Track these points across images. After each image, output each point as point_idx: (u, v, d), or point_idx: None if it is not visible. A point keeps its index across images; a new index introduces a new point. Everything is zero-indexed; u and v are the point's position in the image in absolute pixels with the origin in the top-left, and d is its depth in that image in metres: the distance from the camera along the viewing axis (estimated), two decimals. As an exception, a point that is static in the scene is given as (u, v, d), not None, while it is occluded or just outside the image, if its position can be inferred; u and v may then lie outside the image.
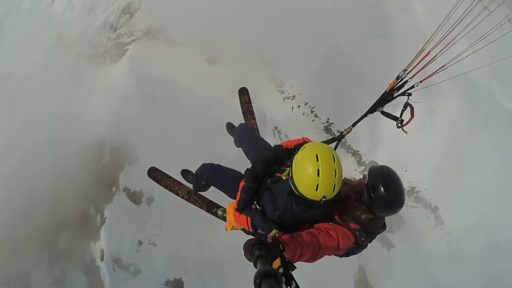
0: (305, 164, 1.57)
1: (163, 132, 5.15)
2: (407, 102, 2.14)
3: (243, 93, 3.76)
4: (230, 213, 2.27)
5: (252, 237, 1.69)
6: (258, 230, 2.02)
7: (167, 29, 6.17)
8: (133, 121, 5.27)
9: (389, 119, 2.28)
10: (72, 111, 5.33)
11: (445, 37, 1.98)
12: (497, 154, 6.01)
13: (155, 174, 3.30)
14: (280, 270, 1.14)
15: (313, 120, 6.22)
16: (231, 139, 3.10)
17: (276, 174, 1.98)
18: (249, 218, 2.06)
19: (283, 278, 1.09)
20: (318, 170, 1.52)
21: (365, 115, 2.37)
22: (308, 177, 1.54)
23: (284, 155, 2.02)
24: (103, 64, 6.14)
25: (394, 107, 2.27)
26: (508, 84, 6.61)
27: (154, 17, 6.39)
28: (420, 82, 2.09)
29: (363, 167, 6.07)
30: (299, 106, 6.23)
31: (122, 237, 5.07)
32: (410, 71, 2.07)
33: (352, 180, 1.95)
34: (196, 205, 3.05)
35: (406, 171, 5.78)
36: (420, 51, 2.03)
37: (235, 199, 2.20)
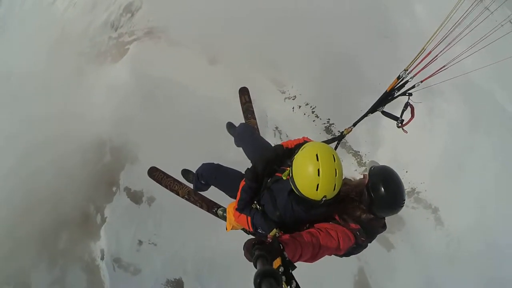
0: (305, 164, 1.57)
1: (163, 132, 5.15)
2: (407, 102, 2.14)
3: (244, 92, 3.76)
4: (231, 213, 2.27)
5: (252, 237, 1.68)
6: (259, 230, 2.02)
7: (168, 29, 6.18)
8: (134, 121, 5.27)
9: (390, 120, 2.29)
10: (73, 110, 5.33)
11: (446, 37, 1.98)
12: (497, 155, 6.01)
13: (155, 173, 3.30)
14: (280, 269, 1.14)
15: (313, 121, 6.23)
16: (232, 138, 3.10)
17: (277, 174, 1.98)
18: (249, 218, 2.06)
19: (284, 277, 1.09)
20: (319, 169, 1.52)
21: (365, 115, 2.37)
22: (309, 176, 1.54)
23: (285, 154, 2.02)
24: (104, 63, 6.14)
25: (394, 107, 2.28)
26: (508, 85, 6.62)
27: (155, 17, 6.40)
28: (421, 82, 2.09)
29: (363, 168, 6.07)
30: (300, 107, 6.23)
31: (122, 237, 5.06)
32: (411, 71, 2.07)
33: (353, 180, 1.95)
34: (196, 205, 3.05)
35: (406, 171, 5.79)
36: (421, 51, 2.03)
37: (235, 198, 2.19)
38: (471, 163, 5.99)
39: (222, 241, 4.82)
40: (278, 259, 1.20)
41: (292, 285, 1.08)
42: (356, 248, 1.77)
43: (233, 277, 4.85)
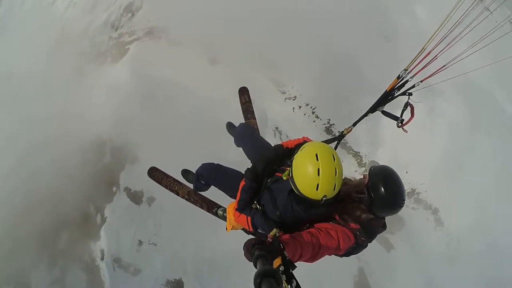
0: (305, 164, 1.57)
1: (163, 132, 5.15)
2: (407, 102, 2.14)
3: (243, 92, 3.76)
4: (231, 213, 2.26)
5: (252, 237, 1.68)
6: (259, 230, 2.02)
7: (168, 29, 6.18)
8: (134, 121, 5.27)
9: (390, 120, 2.29)
10: (73, 110, 5.33)
11: (446, 37, 1.98)
12: (497, 155, 6.01)
13: (155, 174, 3.30)
14: (281, 268, 1.13)
15: (314, 121, 6.23)
16: (231, 138, 3.10)
17: (277, 174, 1.98)
18: (249, 218, 2.06)
19: (284, 276, 1.09)
20: (318, 169, 1.52)
21: (365, 115, 2.37)
22: (309, 176, 1.54)
23: (284, 154, 2.02)
24: (104, 63, 6.14)
25: (394, 107, 2.28)
26: (508, 85, 6.62)
27: (156, 17, 6.41)
28: (421, 81, 2.09)
29: (363, 168, 6.07)
30: (300, 107, 6.23)
31: (122, 237, 5.06)
32: (411, 70, 2.07)
33: (353, 179, 1.95)
34: (196, 205, 3.05)
35: (407, 172, 5.78)
36: (421, 51, 2.03)
37: (235, 198, 2.19)
38: (471, 163, 5.99)
39: (222, 241, 4.82)
40: (278, 258, 1.20)
41: (293, 284, 1.08)
42: (356, 248, 1.77)
43: (233, 277, 4.85)
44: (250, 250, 1.24)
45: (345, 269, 5.53)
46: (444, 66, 2.02)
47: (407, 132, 2.19)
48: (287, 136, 5.93)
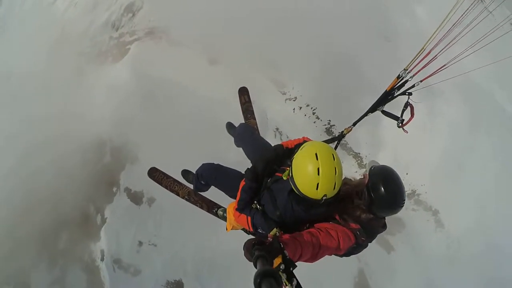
0: (305, 163, 1.57)
1: (163, 132, 5.14)
2: (407, 102, 2.15)
3: (243, 92, 3.77)
4: (231, 213, 2.27)
5: (252, 237, 1.68)
6: (259, 230, 2.02)
7: (169, 29, 6.18)
8: (134, 121, 5.26)
9: (390, 121, 2.29)
10: (73, 110, 5.33)
11: (446, 37, 1.98)
12: (497, 155, 6.01)
13: (155, 174, 3.30)
14: (281, 267, 1.13)
15: (314, 122, 6.22)
16: (231, 139, 3.10)
17: (277, 174, 1.98)
18: (249, 218, 2.06)
19: (285, 274, 1.09)
20: (318, 168, 1.52)
21: (365, 114, 2.38)
22: (308, 176, 1.54)
23: (284, 154, 2.02)
24: (104, 63, 6.14)
25: (394, 108, 2.28)
26: (508, 85, 6.61)
27: (157, 17, 6.40)
28: (421, 81, 2.09)
29: (364, 169, 6.06)
30: (300, 108, 6.22)
31: (122, 238, 5.05)
32: (411, 70, 2.07)
33: (353, 179, 1.95)
34: (196, 205, 3.06)
35: (407, 173, 5.78)
36: (420, 51, 2.03)
37: (235, 199, 2.19)
38: (471, 163, 5.99)
39: (222, 242, 4.81)
40: (278, 257, 1.20)
41: (293, 283, 1.08)
42: (356, 248, 1.77)
43: (233, 277, 4.84)
44: (250, 250, 1.24)
45: (345, 270, 5.52)
46: (444, 66, 2.02)
47: (407, 132, 2.20)
48: (288, 137, 5.92)
